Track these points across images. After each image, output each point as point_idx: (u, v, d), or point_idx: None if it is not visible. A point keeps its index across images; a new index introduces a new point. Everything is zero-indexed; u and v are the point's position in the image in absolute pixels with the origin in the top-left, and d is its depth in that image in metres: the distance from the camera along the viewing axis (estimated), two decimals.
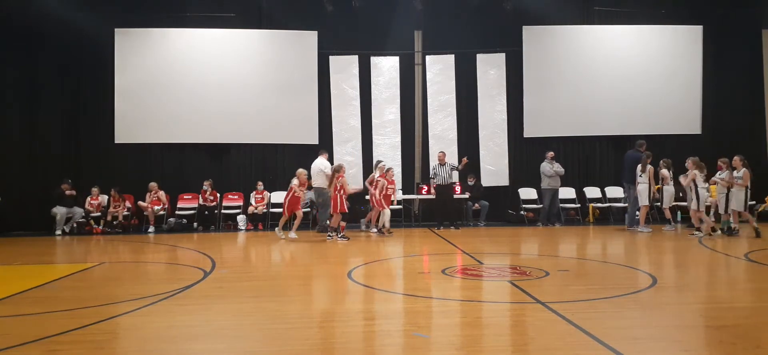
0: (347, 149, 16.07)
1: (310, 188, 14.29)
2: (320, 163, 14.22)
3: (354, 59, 16.22)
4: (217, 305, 6.30)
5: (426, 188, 15.24)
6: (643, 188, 13.01)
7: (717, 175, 12.17)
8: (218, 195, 15.36)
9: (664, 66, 16.35)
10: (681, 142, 15.91)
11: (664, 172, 13.40)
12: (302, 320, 5.64)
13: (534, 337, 5.09)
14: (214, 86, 15.68)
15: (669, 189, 13.50)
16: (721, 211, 12.43)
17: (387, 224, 13.09)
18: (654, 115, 16.15)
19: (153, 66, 15.64)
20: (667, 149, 15.89)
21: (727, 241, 11.27)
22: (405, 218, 15.67)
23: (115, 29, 15.54)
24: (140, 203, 14.93)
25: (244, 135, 15.79)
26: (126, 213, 14.98)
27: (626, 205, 14.30)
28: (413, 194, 15.88)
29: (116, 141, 15.57)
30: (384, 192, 13.20)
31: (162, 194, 14.96)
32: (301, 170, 12.73)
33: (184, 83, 15.65)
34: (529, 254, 10.53)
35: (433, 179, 14.43)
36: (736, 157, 11.91)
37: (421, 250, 10.92)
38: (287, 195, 12.52)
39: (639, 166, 13.15)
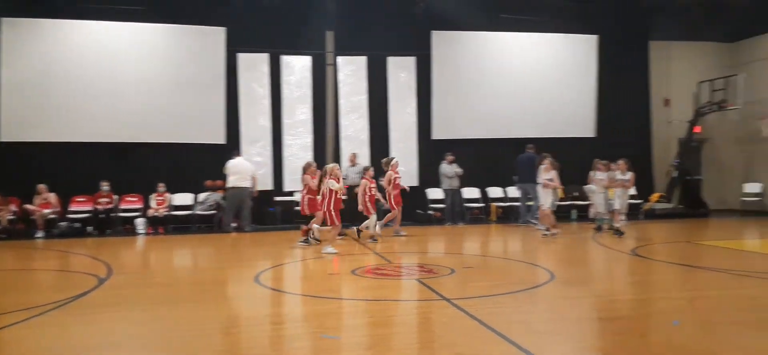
0: (256, 149, 15.71)
1: (217, 189, 13.89)
2: (246, 164, 13.84)
3: (264, 57, 15.89)
4: (113, 314, 5.95)
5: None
6: (544, 189, 13.57)
7: (595, 176, 12.91)
8: (115, 197, 14.52)
9: (563, 72, 17.27)
10: (577, 145, 16.88)
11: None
12: (206, 326, 5.45)
13: (441, 334, 5.21)
14: (113, 82, 14.78)
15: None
16: (601, 210, 13.31)
17: (376, 228, 11.79)
18: (554, 118, 17.02)
19: (45, 59, 14.47)
20: (565, 151, 16.80)
21: (616, 238, 12.07)
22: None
23: (2, 19, 14.31)
24: (27, 206, 13.82)
25: (145, 134, 15.02)
26: (11, 217, 13.82)
27: (520, 204, 15.10)
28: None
29: (2, 139, 14.32)
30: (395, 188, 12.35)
31: (52, 196, 13.92)
32: (333, 165, 10.65)
33: (80, 79, 14.63)
34: (436, 252, 10.78)
35: (344, 180, 14.40)
36: (621, 161, 12.67)
37: (357, 249, 10.88)
38: (329, 199, 10.13)
39: (542, 167, 13.80)
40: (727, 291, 6.90)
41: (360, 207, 11.81)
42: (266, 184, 15.56)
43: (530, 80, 16.90)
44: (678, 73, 18.10)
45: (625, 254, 9.86)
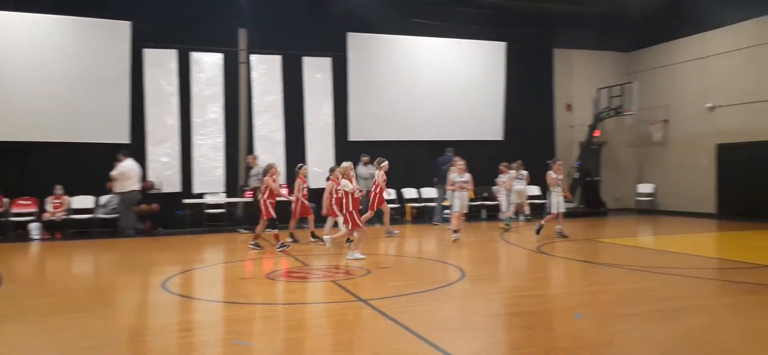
0: (163, 150, 15.04)
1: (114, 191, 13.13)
2: (134, 166, 13.16)
3: (172, 54, 15.24)
4: (6, 327, 5.48)
5: (250, 191, 14.86)
6: (458, 193, 13.84)
7: (498, 177, 13.43)
8: (6, 201, 13.39)
9: (474, 77, 17.81)
10: (487, 147, 17.48)
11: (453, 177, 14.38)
12: (109, 336, 5.13)
13: (356, 335, 5.20)
14: (5, 76, 13.65)
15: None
16: (504, 209, 13.90)
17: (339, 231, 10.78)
18: (465, 122, 17.52)
19: None
20: (475, 153, 17.36)
21: (523, 236, 12.59)
22: (228, 221, 15.11)
23: None
24: None
25: (41, 133, 13.95)
26: None
27: (436, 204, 15.49)
28: (237, 197, 15.39)
29: None
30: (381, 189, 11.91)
31: None
32: (347, 164, 9.86)
33: None
34: (353, 252, 10.76)
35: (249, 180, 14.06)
36: (517, 162, 13.29)
37: (245, 255, 10.61)
38: (347, 201, 9.38)
39: (452, 170, 14.13)
40: (625, 285, 7.37)
41: (325, 211, 11.31)
42: (174, 186, 14.94)
43: (443, 84, 17.30)
44: (579, 80, 19.17)
45: (531, 251, 10.29)
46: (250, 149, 15.74)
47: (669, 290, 6.93)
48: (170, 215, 14.59)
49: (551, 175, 11.77)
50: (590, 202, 17.90)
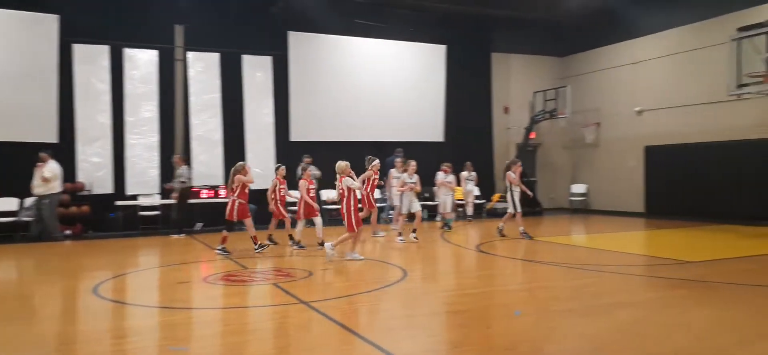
0: (95, 149, 14.41)
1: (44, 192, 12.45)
2: (56, 168, 12.54)
3: (104, 50, 14.61)
4: None
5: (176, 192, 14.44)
6: (395, 193, 13.94)
7: (439, 177, 13.64)
8: None
9: (415, 79, 17.99)
10: (428, 149, 17.69)
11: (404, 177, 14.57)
12: (37, 345, 4.86)
13: (297, 338, 5.13)
14: None
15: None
16: (447, 209, 14.13)
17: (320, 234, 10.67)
18: (407, 123, 17.65)
19: None
20: (417, 155, 17.50)
21: (464, 235, 12.82)
22: (163, 223, 14.62)
23: None
24: None
25: None
26: None
27: (385, 204, 15.55)
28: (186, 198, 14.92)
29: None
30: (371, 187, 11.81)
31: None
32: (345, 163, 9.55)
33: None
34: (294, 255, 10.63)
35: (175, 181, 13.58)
36: (446, 165, 13.58)
37: (182, 258, 10.30)
38: (348, 199, 9.15)
39: (393, 171, 14.23)
40: (561, 282, 7.61)
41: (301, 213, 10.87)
42: (106, 187, 14.35)
43: (385, 85, 17.38)
44: (516, 83, 19.70)
45: (471, 250, 10.48)
46: (186, 149, 15.31)
47: (602, 286, 7.21)
48: (102, 218, 14.00)
49: (511, 175, 11.97)
50: (526, 201, 18.37)
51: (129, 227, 13.94)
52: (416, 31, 17.79)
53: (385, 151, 16.57)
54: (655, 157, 16.80)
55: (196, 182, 15.02)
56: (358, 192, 9.20)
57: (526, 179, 18.64)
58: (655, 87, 16.82)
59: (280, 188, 11.07)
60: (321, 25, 16.33)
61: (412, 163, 11.87)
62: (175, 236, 13.17)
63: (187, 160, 14.69)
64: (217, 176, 15.39)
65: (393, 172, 14.14)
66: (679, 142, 15.95)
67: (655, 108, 16.79)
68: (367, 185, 11.71)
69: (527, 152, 19.14)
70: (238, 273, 8.35)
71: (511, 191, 11.92)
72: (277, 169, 11.29)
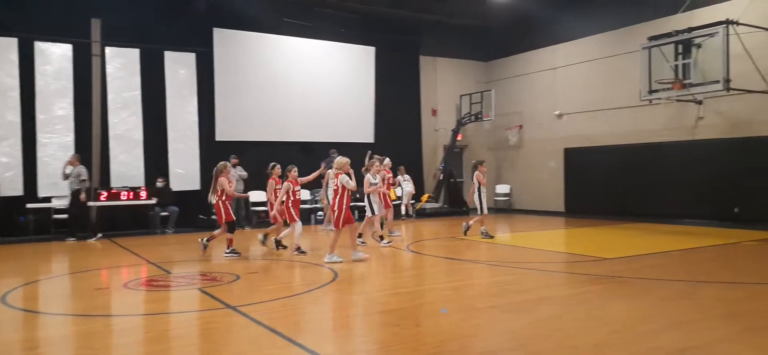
0: (2, 149, 13.46)
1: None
2: None
3: (12, 42, 13.66)
4: None
5: (105, 193, 13.75)
6: (331, 194, 13.86)
7: (368, 177, 13.66)
8: None
9: (345, 80, 17.98)
10: (359, 150, 17.71)
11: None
12: None
13: (224, 343, 5.00)
14: None
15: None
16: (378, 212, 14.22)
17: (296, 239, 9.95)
18: (336, 123, 17.61)
19: None
20: (348, 156, 17.49)
21: (394, 235, 12.89)
22: (75, 227, 13.85)
23: None
24: None
25: None
26: None
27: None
28: (91, 200, 14.15)
29: None
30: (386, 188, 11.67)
31: None
32: (345, 160, 9.39)
33: None
34: (220, 259, 10.37)
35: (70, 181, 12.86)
36: (401, 167, 13.74)
37: (100, 263, 9.80)
38: (341, 198, 8.85)
39: (330, 171, 14.19)
40: (486, 280, 7.83)
41: (280, 214, 10.38)
42: (16, 189, 13.45)
43: (314, 85, 17.26)
44: (444, 86, 20.09)
45: (402, 250, 10.59)
46: (104, 149, 14.61)
47: (524, 283, 7.47)
48: (11, 222, 13.11)
49: (479, 175, 11.99)
50: (453, 202, 18.80)
51: (41, 231, 13.15)
52: (345, 32, 17.79)
53: (316, 152, 16.52)
54: (574, 159, 17.59)
55: (116, 183, 14.38)
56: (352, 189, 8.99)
57: (454, 179, 19.11)
58: (574, 91, 17.62)
59: (295, 191, 10.07)
60: (248, 23, 16.01)
61: (377, 163, 11.52)
62: (92, 241, 12.54)
63: (103, 160, 14.01)
64: (137, 177, 14.78)
65: (331, 173, 14.10)
66: (596, 144, 16.78)
67: (574, 112, 17.58)
68: (386, 184, 12.01)
69: (454, 154, 19.60)
70: (161, 278, 8.04)
71: (480, 191, 11.99)
72: (291, 170, 10.23)
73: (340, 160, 9.22)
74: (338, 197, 8.88)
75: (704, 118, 14.25)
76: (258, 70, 16.55)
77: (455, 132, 19.39)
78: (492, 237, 11.93)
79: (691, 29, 12.55)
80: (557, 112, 18.08)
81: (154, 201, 14.33)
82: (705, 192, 13.99)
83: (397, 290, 7.26)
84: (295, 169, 10.18)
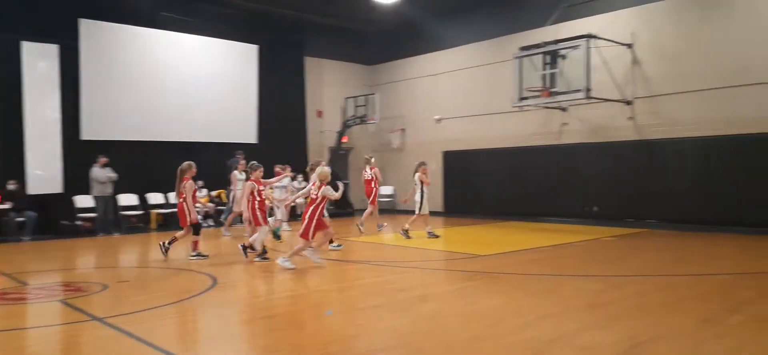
0: None
1: None
2: None
3: None
4: None
5: None
6: (238, 194, 13.32)
7: (277, 181, 13.42)
8: None
9: (227, 78, 17.32)
10: (242, 150, 17.23)
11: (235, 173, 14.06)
12: None
13: None
14: None
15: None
16: (281, 217, 13.95)
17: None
18: (218, 123, 16.93)
19: None
20: (228, 156, 16.96)
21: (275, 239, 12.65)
22: None
23: None
24: None
25: None
26: None
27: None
28: None
29: None
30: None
31: None
32: (327, 169, 9.22)
33: None
34: (86, 267, 9.62)
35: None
36: (279, 166, 13.50)
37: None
38: (313, 210, 8.39)
39: (234, 173, 13.72)
40: (369, 280, 7.90)
41: (247, 215, 9.50)
42: None
43: (193, 83, 16.48)
44: (329, 88, 20.09)
45: (284, 253, 10.39)
46: None
47: (406, 281, 7.64)
48: None
49: (422, 176, 12.15)
50: (339, 203, 18.82)
51: None
52: (227, 29, 17.21)
53: (195, 152, 15.78)
54: (453, 161, 18.33)
55: None
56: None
57: (340, 181, 19.13)
58: (452, 97, 18.35)
59: (259, 191, 9.38)
60: (120, 15, 15.00)
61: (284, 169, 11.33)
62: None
63: None
64: None
65: (235, 174, 13.63)
66: (472, 147, 17.60)
67: (453, 116, 18.31)
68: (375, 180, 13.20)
69: (340, 156, 19.65)
70: (16, 291, 7.27)
71: (423, 191, 12.11)
72: (255, 169, 9.43)
73: (323, 170, 8.93)
74: (313, 206, 8.48)
75: (568, 124, 15.43)
76: (131, 66, 15.50)
77: (341, 134, 19.46)
78: (438, 236, 12.15)
79: (557, 41, 13.55)
80: (437, 117, 18.73)
81: (7, 205, 12.96)
82: (569, 192, 15.15)
83: (280, 294, 7.12)
84: (261, 168, 9.52)
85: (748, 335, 4.82)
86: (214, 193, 16.30)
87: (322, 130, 19.91)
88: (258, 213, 9.23)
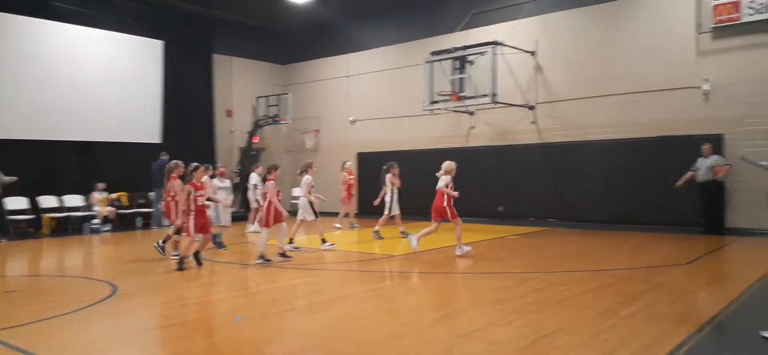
0: None
1: None
2: None
3: None
4: None
5: None
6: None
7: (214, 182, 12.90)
8: None
9: (129, 74, 16.37)
10: (144, 151, 16.43)
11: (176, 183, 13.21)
12: None
13: None
14: None
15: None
16: (221, 222, 13.36)
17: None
18: (119, 122, 15.98)
19: None
20: (131, 157, 16.15)
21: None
22: None
23: None
24: None
25: None
26: None
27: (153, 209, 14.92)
28: None
29: None
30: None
31: None
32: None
33: None
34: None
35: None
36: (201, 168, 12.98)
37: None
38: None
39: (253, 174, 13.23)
40: (282, 283, 7.76)
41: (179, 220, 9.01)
42: None
43: (92, 79, 15.51)
44: (239, 87, 19.59)
45: (190, 258, 10.01)
46: None
47: (320, 284, 7.58)
48: None
49: (392, 177, 12.32)
50: (249, 206, 18.39)
51: None
52: (130, 23, 16.35)
53: (94, 152, 14.99)
54: (367, 163, 18.42)
55: None
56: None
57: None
58: (367, 99, 18.46)
59: (196, 196, 8.69)
60: (6, 2, 13.85)
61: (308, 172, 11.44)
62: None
63: None
64: None
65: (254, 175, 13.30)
66: (386, 149, 17.76)
67: (367, 118, 18.42)
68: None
69: (251, 156, 19.19)
70: None
71: (393, 192, 12.20)
72: (196, 169, 8.86)
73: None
74: (267, 203, 9.02)
75: (476, 127, 15.97)
76: (20, 60, 14.32)
77: (252, 134, 19.02)
78: (407, 235, 11.99)
79: (466, 47, 13.98)
80: (351, 119, 18.77)
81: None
82: (477, 193, 15.66)
83: (187, 301, 6.84)
84: (203, 168, 9.11)
85: (641, 324, 5.19)
86: (114, 195, 15.41)
87: (232, 130, 19.38)
88: (191, 221, 8.59)
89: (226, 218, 11.29)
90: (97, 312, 6.13)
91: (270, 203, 9.14)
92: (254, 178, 13.71)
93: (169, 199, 9.28)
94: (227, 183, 12.27)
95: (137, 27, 16.50)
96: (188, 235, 8.63)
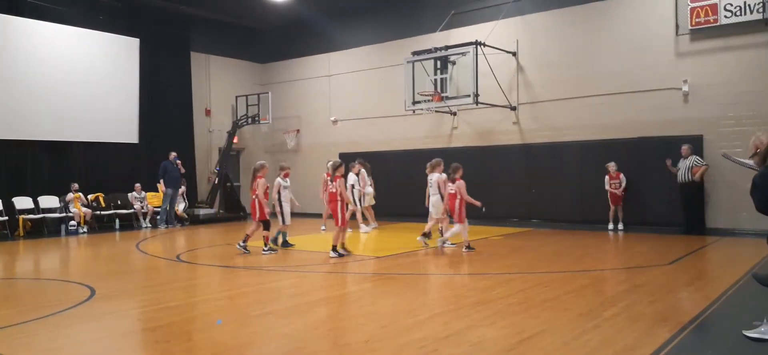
0: None
1: None
2: None
3: None
4: None
5: None
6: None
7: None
8: None
9: (103, 73, 16.02)
10: (120, 151, 16.17)
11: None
12: None
13: None
14: None
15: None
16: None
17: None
18: (94, 122, 15.65)
19: None
20: (107, 157, 15.89)
21: (162, 244, 12.01)
22: None
23: None
24: None
25: None
26: None
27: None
28: None
29: None
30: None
31: None
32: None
33: None
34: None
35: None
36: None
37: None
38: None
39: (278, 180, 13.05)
40: (263, 285, 7.67)
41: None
42: None
43: (66, 78, 15.20)
44: (218, 86, 19.38)
45: (170, 260, 9.87)
46: None
47: (300, 286, 7.50)
48: None
49: (364, 174, 12.67)
50: (229, 207, 18.23)
51: None
52: (104, 20, 16.06)
53: (68, 152, 14.68)
54: (348, 163, 18.31)
55: None
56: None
57: (230, 184, 18.51)
58: (348, 99, 18.37)
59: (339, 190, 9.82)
60: None
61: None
62: None
63: None
64: None
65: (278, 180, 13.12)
66: (368, 150, 17.70)
67: (348, 118, 18.33)
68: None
69: (230, 157, 18.99)
70: None
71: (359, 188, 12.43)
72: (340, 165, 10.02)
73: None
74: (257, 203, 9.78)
75: (458, 127, 15.99)
76: None
77: (231, 134, 18.82)
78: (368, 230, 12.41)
79: (447, 47, 13.97)
80: (332, 119, 18.66)
81: None
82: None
83: (166, 305, 6.71)
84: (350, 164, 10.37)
85: (623, 325, 5.20)
86: (91, 196, 15.13)
87: (210, 129, 19.17)
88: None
89: (288, 217, 11.45)
90: (72, 316, 5.99)
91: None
92: (352, 178, 13.74)
93: (254, 197, 10.03)
94: (288, 183, 12.45)
95: (111, 24, 16.21)
96: (338, 225, 9.45)
